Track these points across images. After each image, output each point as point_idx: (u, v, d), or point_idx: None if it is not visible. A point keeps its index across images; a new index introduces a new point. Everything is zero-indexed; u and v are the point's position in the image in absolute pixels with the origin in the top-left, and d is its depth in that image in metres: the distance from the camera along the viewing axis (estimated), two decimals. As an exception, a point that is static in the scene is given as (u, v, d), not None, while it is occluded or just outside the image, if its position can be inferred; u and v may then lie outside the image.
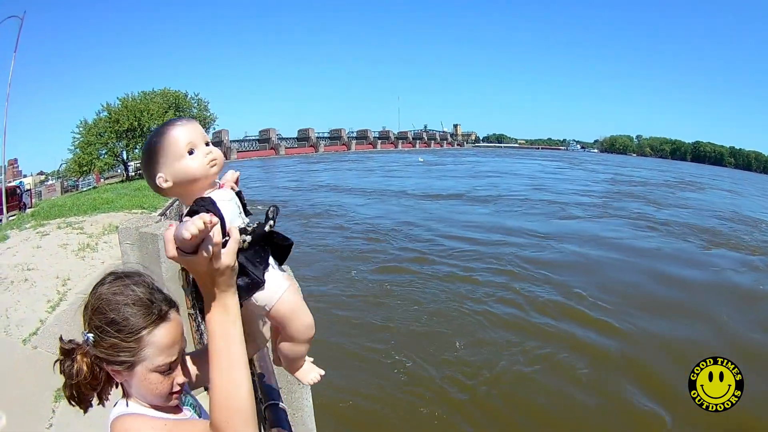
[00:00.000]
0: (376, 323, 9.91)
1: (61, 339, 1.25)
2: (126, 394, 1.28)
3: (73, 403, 1.26)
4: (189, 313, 3.93)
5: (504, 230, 18.88)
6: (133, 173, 47.26)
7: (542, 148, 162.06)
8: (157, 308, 1.23)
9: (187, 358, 1.44)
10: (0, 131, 27.17)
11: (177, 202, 8.49)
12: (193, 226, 1.01)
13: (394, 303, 10.98)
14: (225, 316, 1.15)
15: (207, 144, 1.26)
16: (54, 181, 49.60)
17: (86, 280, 8.46)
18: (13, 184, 33.74)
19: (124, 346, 1.18)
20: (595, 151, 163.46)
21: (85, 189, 40.72)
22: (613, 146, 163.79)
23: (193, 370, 1.46)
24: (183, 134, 1.22)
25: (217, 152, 1.26)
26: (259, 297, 1.27)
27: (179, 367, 1.28)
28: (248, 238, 1.21)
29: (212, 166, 1.24)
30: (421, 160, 73.65)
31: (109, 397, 1.30)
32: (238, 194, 1.31)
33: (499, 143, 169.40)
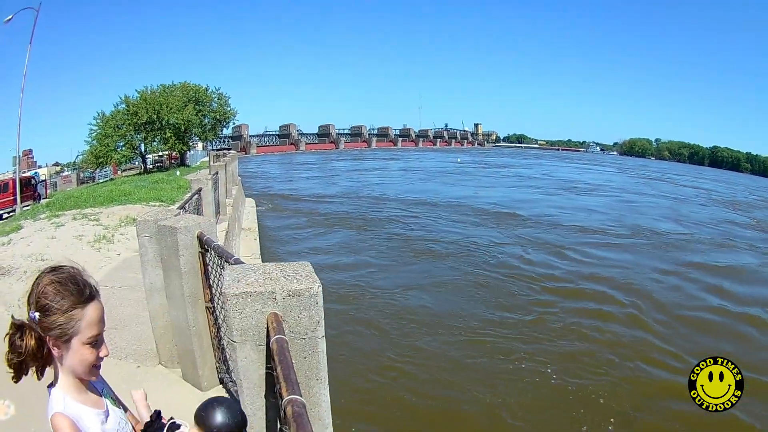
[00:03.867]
0: None
1: (12, 317, 1.52)
2: (55, 373, 1.58)
3: (10, 372, 1.53)
4: (207, 307, 3.93)
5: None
6: (151, 166, 47.97)
7: (562, 149, 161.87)
8: (88, 291, 1.54)
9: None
10: (15, 123, 27.71)
11: (196, 197, 8.49)
12: None
13: None
14: None
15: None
16: (70, 173, 50.37)
17: (102, 271, 8.42)
18: (27, 174, 34.37)
19: (63, 321, 1.49)
20: (615, 153, 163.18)
21: (101, 181, 41.31)
22: (632, 149, 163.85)
23: None
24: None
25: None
26: None
27: (103, 344, 1.59)
28: None
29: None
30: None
31: (45, 372, 1.58)
32: None
33: (519, 143, 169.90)
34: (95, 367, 1.59)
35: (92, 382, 1.69)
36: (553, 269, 14.88)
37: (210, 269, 3.74)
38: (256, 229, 16.75)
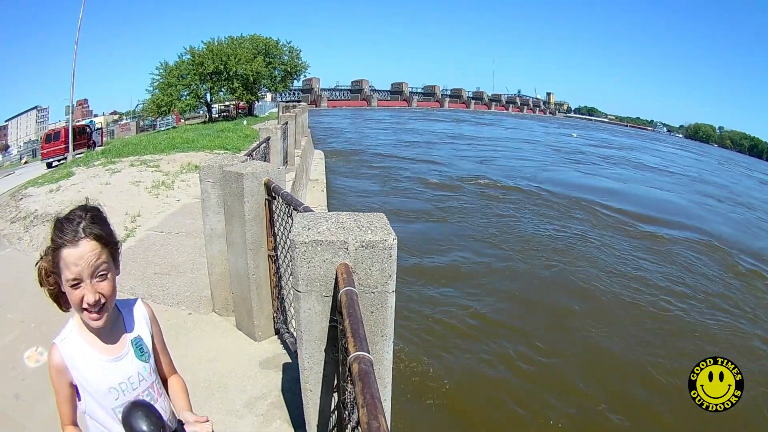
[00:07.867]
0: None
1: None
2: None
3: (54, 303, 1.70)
4: (269, 255, 3.99)
5: None
6: (217, 115, 49.18)
7: (630, 126, 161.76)
8: (70, 235, 1.53)
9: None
10: (69, 73, 29.15)
11: (264, 145, 8.58)
12: None
13: None
14: None
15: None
16: (128, 121, 52.29)
17: (159, 217, 8.60)
18: (82, 123, 35.88)
19: (51, 259, 1.57)
20: (680, 135, 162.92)
21: (163, 129, 42.55)
22: (696, 133, 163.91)
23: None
24: None
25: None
26: None
27: (90, 290, 1.55)
28: None
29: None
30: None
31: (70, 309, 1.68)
32: None
33: (589, 116, 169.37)
34: (86, 311, 1.58)
35: (125, 327, 1.77)
36: None
37: (276, 217, 3.79)
38: (324, 181, 16.98)
